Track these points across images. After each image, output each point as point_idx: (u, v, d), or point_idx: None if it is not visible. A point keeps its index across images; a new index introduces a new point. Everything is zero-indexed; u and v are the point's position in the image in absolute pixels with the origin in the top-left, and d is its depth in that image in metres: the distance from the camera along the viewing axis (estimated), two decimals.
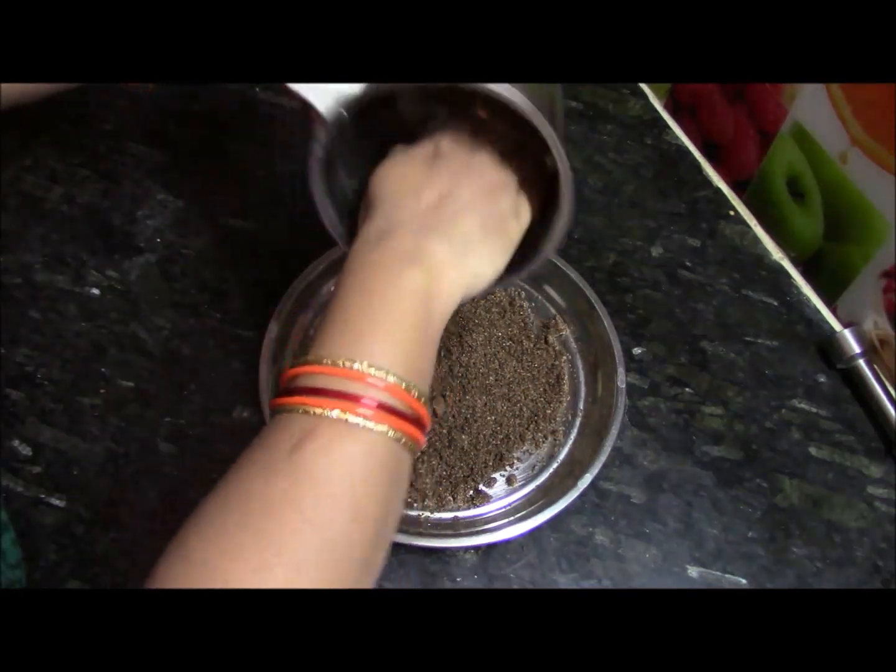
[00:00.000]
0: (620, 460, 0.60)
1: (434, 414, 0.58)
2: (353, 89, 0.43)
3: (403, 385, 0.35)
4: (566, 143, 0.44)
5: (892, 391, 0.62)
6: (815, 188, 0.68)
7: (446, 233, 0.40)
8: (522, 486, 0.58)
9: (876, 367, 0.62)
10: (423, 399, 0.36)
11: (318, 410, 0.33)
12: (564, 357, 0.63)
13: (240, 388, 0.61)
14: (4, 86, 0.49)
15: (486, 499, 0.57)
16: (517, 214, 0.45)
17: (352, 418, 0.33)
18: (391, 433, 0.34)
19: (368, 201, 0.43)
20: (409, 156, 0.44)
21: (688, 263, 0.69)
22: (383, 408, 0.34)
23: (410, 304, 0.37)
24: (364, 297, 0.37)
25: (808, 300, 0.68)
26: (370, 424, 0.34)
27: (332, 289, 0.41)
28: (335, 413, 0.33)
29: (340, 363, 0.34)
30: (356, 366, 0.34)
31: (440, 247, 0.40)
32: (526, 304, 0.65)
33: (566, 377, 0.62)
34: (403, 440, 0.35)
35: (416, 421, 0.36)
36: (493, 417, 0.58)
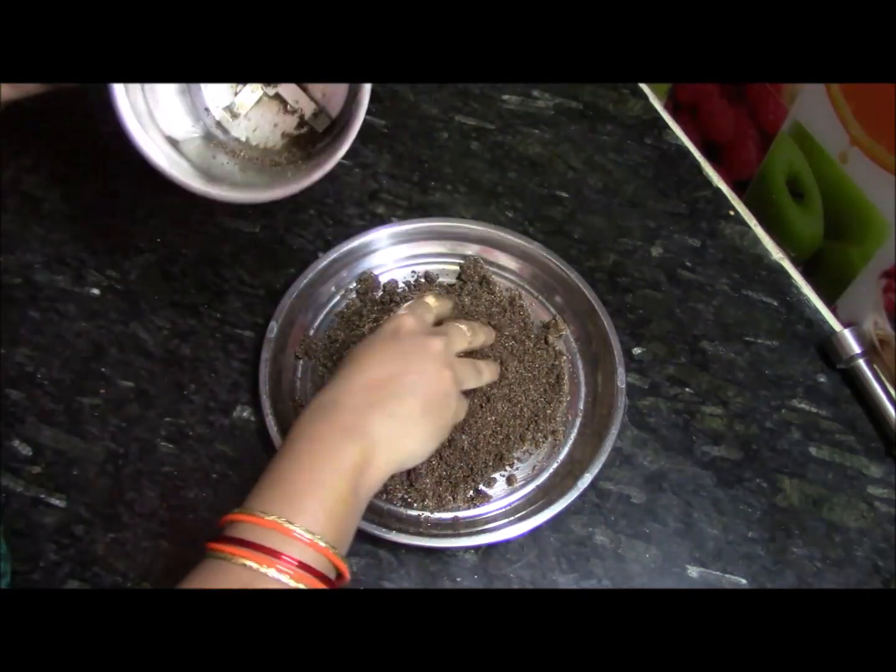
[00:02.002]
0: (620, 460, 0.60)
1: None
2: None
3: (324, 544, 0.39)
4: None
5: (892, 391, 0.62)
6: (815, 188, 0.68)
7: (386, 411, 0.45)
8: (522, 486, 0.58)
9: (876, 367, 0.62)
10: (342, 557, 0.40)
11: (249, 563, 0.37)
12: (564, 357, 0.63)
13: (240, 388, 0.61)
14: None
15: (486, 499, 0.57)
16: (455, 405, 0.49)
17: (274, 574, 0.37)
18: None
19: (341, 363, 0.48)
20: (380, 332, 0.49)
21: (688, 263, 0.69)
22: (303, 567, 0.38)
23: (342, 475, 0.41)
24: (303, 464, 0.42)
25: (808, 300, 0.68)
26: (291, 583, 0.37)
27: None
28: (263, 569, 0.37)
29: (272, 518, 0.38)
30: (285, 523, 0.38)
31: (378, 426, 0.44)
32: (526, 304, 0.65)
33: (566, 377, 0.62)
34: None
35: (332, 580, 0.40)
36: (493, 417, 0.58)
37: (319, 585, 0.38)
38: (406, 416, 0.45)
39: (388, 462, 0.44)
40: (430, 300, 0.55)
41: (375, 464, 0.43)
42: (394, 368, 0.46)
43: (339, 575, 0.41)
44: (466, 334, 0.54)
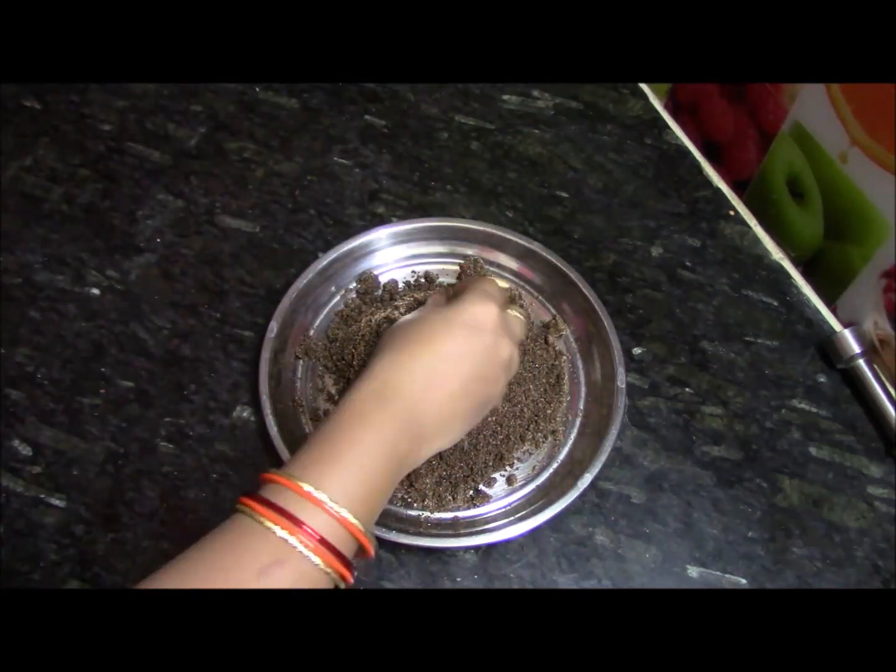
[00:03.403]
0: (620, 460, 0.60)
1: None
2: None
3: (354, 520, 0.40)
4: None
5: (892, 391, 0.62)
6: (815, 188, 0.68)
7: (444, 409, 0.46)
8: (522, 486, 0.58)
9: (876, 367, 0.62)
10: (369, 534, 0.41)
11: (274, 528, 0.38)
12: (564, 357, 0.63)
13: (240, 388, 0.61)
14: None
15: (486, 499, 0.57)
16: (497, 393, 0.51)
17: (295, 543, 0.38)
18: (323, 566, 0.38)
19: (379, 346, 0.48)
20: (461, 317, 0.48)
21: (688, 263, 0.69)
22: (323, 543, 0.38)
23: (389, 462, 0.43)
24: (353, 441, 0.42)
25: (808, 300, 0.68)
26: (311, 556, 0.38)
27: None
28: (288, 536, 0.38)
29: (307, 487, 0.39)
30: (320, 495, 0.39)
31: (432, 421, 0.46)
32: (526, 304, 0.65)
33: (566, 377, 0.62)
34: (332, 575, 0.39)
35: (351, 557, 0.41)
36: (493, 418, 0.58)
37: (335, 563, 0.39)
38: (460, 416, 0.47)
39: (428, 452, 0.47)
40: (503, 283, 0.54)
41: (419, 455, 0.46)
42: (465, 367, 0.47)
43: (362, 548, 0.41)
44: (526, 328, 0.54)
